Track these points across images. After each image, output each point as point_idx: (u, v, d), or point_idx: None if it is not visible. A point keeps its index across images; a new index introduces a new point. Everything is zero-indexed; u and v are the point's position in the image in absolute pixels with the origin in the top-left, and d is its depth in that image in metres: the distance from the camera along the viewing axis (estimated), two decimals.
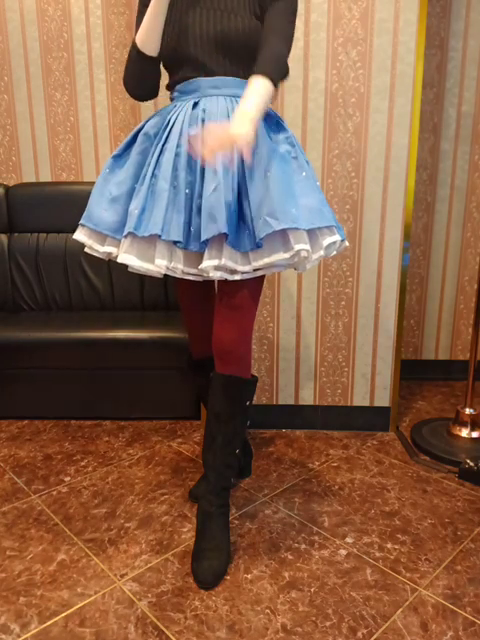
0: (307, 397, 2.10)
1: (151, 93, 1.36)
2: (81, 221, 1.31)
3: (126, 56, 2.30)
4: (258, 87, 1.15)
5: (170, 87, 1.34)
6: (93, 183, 2.34)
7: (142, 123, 1.32)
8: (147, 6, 1.26)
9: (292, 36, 1.26)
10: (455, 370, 2.68)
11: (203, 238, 1.15)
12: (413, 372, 2.69)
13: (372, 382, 2.07)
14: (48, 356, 2.07)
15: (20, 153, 2.43)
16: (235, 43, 1.23)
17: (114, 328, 2.08)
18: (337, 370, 2.07)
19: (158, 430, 2.10)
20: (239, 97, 1.25)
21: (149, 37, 1.24)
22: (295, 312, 2.02)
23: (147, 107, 2.33)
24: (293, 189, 1.20)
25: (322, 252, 1.23)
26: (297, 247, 1.15)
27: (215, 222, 1.13)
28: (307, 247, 1.16)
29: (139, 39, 1.25)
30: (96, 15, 2.26)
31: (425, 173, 2.51)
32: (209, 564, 1.30)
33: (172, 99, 1.34)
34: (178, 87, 1.30)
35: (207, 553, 1.32)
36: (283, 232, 1.16)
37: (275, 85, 1.18)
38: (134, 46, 1.27)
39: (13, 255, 2.39)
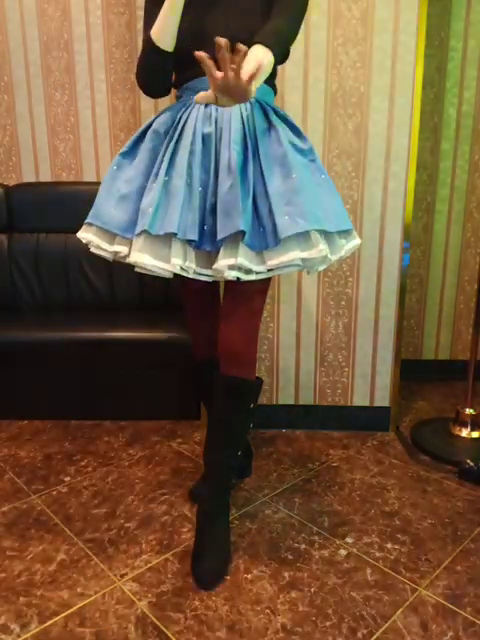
0: (307, 397, 2.10)
1: (165, 89, 1.33)
2: (88, 219, 1.27)
3: (126, 55, 2.30)
4: (260, 51, 1.08)
5: (178, 84, 1.33)
6: (93, 183, 2.34)
7: (150, 120, 1.30)
8: (156, 5, 1.24)
9: (300, 18, 1.21)
10: (455, 370, 2.68)
11: (219, 237, 1.13)
12: (413, 372, 2.69)
13: (372, 382, 2.07)
14: (48, 356, 2.07)
15: (20, 153, 2.43)
16: (249, 44, 1.22)
17: (114, 328, 2.08)
18: (337, 370, 2.07)
19: (158, 430, 2.10)
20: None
21: (165, 32, 1.22)
22: (295, 312, 2.02)
23: (147, 108, 2.33)
24: (316, 192, 1.20)
25: (342, 253, 1.25)
26: (320, 247, 1.14)
27: (232, 220, 1.12)
28: (326, 248, 1.16)
29: (154, 34, 1.22)
30: (96, 15, 2.26)
31: (425, 173, 2.51)
32: (209, 564, 1.29)
33: (179, 96, 1.33)
34: (188, 84, 1.28)
35: (207, 553, 1.31)
36: (302, 232, 1.14)
37: (275, 58, 1.12)
38: (149, 42, 1.24)
39: (13, 255, 2.39)
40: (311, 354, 2.06)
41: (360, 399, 2.09)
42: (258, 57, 1.02)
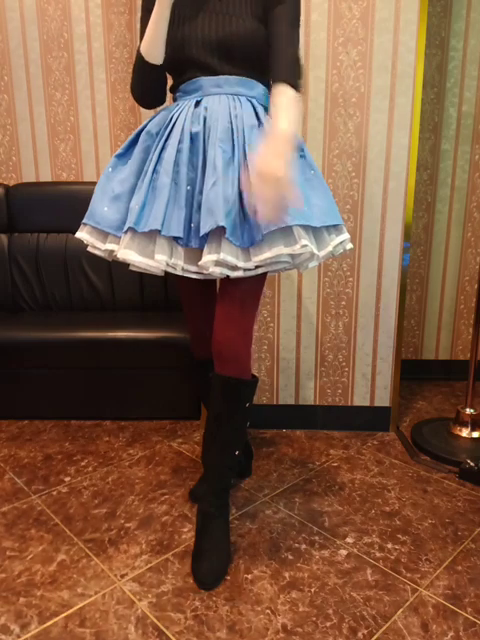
0: (307, 397, 2.10)
1: (158, 100, 1.36)
2: (84, 220, 1.30)
3: (126, 55, 2.30)
4: (284, 99, 1.16)
5: (173, 89, 1.35)
6: (93, 183, 2.34)
7: (145, 122, 1.32)
8: (150, 13, 1.26)
9: (298, 40, 1.25)
10: (455, 370, 2.68)
11: (202, 232, 1.14)
12: (413, 372, 2.69)
13: (372, 382, 2.07)
14: (48, 356, 2.07)
15: (20, 153, 2.43)
16: (237, 45, 1.23)
17: (114, 328, 2.08)
18: (337, 370, 2.07)
19: (158, 430, 2.10)
20: (241, 96, 1.25)
21: (153, 46, 1.25)
22: (295, 312, 2.02)
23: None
24: (303, 187, 1.21)
25: (330, 249, 1.25)
26: (302, 242, 1.14)
27: (213, 216, 1.13)
28: (310, 243, 1.16)
29: (143, 48, 1.26)
30: (96, 14, 2.26)
31: (425, 173, 2.51)
32: (209, 565, 1.29)
33: (175, 99, 1.34)
34: (181, 87, 1.30)
35: (207, 553, 1.32)
36: (286, 228, 1.14)
37: (297, 89, 1.18)
38: (139, 55, 1.27)
39: (13, 255, 2.39)
40: (311, 354, 2.06)
41: (360, 399, 2.09)
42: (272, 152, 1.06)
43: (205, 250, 1.16)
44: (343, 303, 2.01)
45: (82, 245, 2.25)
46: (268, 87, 1.36)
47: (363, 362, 2.05)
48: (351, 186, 1.90)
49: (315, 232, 1.22)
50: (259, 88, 1.30)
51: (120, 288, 2.39)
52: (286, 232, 1.15)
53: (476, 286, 2.60)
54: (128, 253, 1.18)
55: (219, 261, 1.15)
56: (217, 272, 1.16)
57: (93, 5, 2.25)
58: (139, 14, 1.36)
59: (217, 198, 1.13)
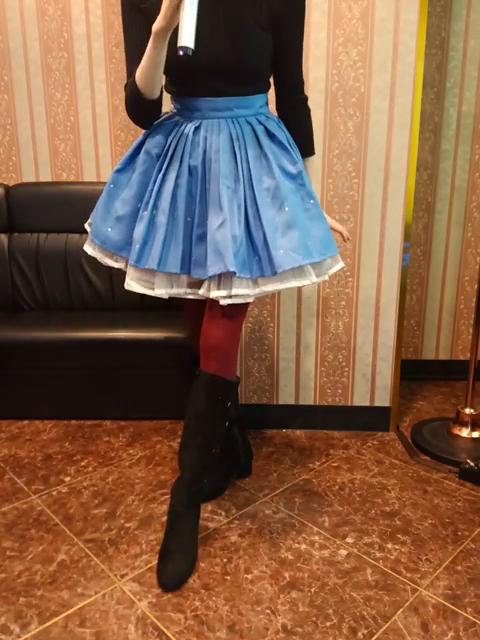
0: (307, 397, 2.10)
1: (155, 119, 1.32)
2: (90, 236, 1.36)
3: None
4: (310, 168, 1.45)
5: (170, 91, 1.31)
6: (93, 183, 2.34)
7: (143, 136, 1.32)
8: (137, 22, 1.20)
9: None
10: (455, 370, 2.68)
11: (210, 274, 1.19)
12: (413, 372, 2.68)
13: (372, 382, 2.07)
14: (48, 356, 2.07)
15: (20, 153, 2.42)
16: (240, 63, 1.21)
17: (114, 328, 2.08)
18: (337, 370, 2.07)
19: (158, 430, 2.10)
20: (240, 117, 1.26)
21: (149, 84, 1.19)
22: (295, 312, 2.02)
23: None
24: (307, 222, 1.27)
25: (326, 277, 1.33)
26: (310, 279, 1.25)
27: (222, 259, 1.17)
28: (316, 279, 1.27)
29: (140, 83, 1.19)
30: (96, 14, 2.26)
31: (425, 173, 2.51)
32: (174, 567, 1.29)
33: (173, 104, 1.33)
34: (180, 100, 1.29)
35: (173, 555, 1.31)
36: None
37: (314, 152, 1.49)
38: (135, 88, 1.20)
39: (13, 255, 2.39)
40: (311, 354, 2.06)
41: (360, 399, 2.09)
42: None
43: (213, 284, 1.21)
44: (343, 303, 2.01)
45: (82, 245, 2.25)
46: (267, 87, 1.35)
47: (363, 362, 2.05)
48: (351, 186, 1.90)
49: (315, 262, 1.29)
50: (258, 101, 1.29)
51: (120, 288, 2.38)
52: (296, 268, 1.22)
53: (476, 286, 2.60)
54: (133, 284, 1.29)
55: (229, 295, 1.20)
56: (228, 302, 1.21)
57: (93, 5, 2.25)
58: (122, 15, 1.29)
59: (225, 239, 1.17)
